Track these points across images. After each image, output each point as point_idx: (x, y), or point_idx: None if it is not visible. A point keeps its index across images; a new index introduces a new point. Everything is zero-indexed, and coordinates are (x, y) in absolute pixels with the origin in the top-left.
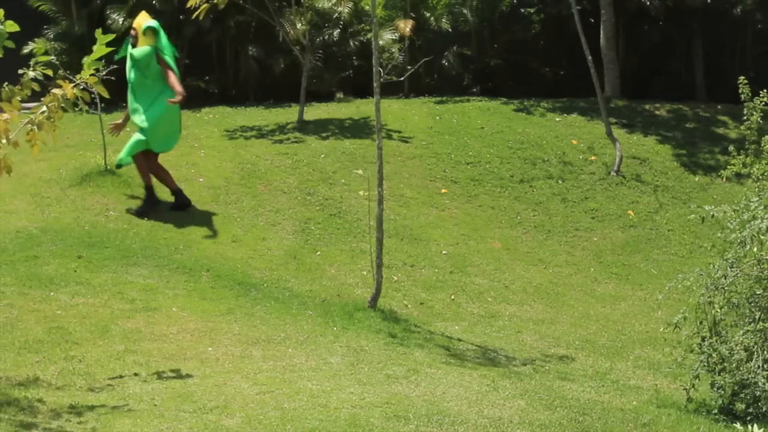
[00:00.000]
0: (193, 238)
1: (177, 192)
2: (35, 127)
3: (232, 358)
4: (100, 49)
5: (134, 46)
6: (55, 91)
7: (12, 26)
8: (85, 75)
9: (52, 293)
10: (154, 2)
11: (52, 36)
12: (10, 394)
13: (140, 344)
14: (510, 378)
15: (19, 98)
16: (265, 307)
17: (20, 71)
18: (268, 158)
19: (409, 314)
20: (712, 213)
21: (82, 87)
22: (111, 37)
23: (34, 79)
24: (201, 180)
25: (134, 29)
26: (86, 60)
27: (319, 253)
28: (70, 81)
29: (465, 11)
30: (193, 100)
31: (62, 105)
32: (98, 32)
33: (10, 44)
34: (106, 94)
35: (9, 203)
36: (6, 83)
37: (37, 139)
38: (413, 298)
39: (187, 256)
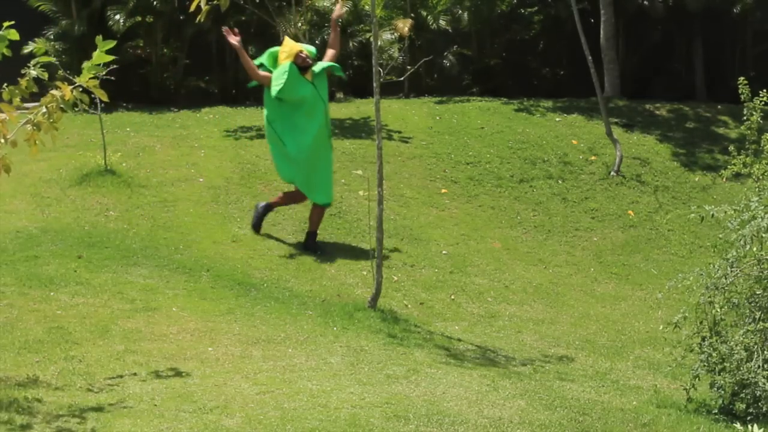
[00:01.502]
0: (193, 238)
1: (267, 206)
2: (35, 127)
3: (232, 358)
4: (99, 56)
5: (306, 69)
6: (54, 92)
7: (14, 35)
8: (84, 79)
9: (52, 293)
10: (154, 2)
11: (52, 36)
12: (10, 394)
13: (140, 344)
14: (510, 378)
15: (19, 98)
16: (265, 307)
17: (23, 71)
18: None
19: (409, 314)
20: (712, 213)
21: (81, 89)
22: (112, 43)
23: (35, 79)
24: (201, 180)
25: (305, 53)
26: (86, 65)
27: (319, 252)
28: (70, 82)
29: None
30: (193, 100)
31: (61, 106)
32: (98, 39)
33: (7, 52)
34: (105, 98)
35: (9, 203)
36: (5, 84)
37: (37, 139)
38: (413, 298)
39: (187, 256)
